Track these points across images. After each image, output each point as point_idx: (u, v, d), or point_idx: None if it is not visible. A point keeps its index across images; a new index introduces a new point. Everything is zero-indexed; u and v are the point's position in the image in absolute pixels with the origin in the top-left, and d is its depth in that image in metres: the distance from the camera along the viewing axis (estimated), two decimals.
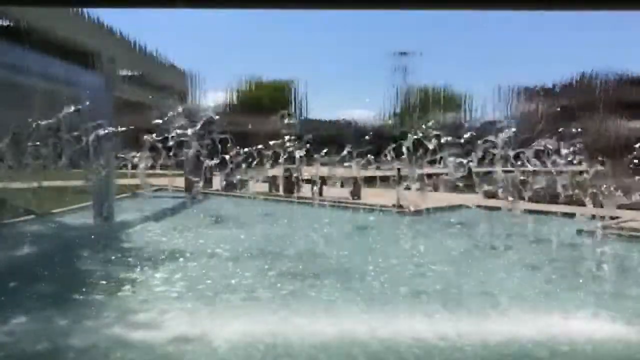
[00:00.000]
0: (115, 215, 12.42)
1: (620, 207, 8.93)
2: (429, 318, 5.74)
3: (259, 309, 6.03)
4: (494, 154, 7.98)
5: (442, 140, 8.43)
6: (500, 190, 8.29)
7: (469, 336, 5.17)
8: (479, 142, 8.14)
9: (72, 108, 8.75)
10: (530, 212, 9.70)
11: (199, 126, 8.42)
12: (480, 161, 8.25)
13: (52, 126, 8.64)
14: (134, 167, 8.49)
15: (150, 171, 9.02)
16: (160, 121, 8.31)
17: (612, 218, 9.39)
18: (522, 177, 8.15)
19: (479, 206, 10.29)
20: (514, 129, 8.34)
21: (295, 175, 14.72)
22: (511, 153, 7.97)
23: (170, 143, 8.16)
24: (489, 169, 8.46)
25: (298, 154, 9.45)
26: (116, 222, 12.18)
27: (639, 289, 6.84)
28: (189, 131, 8.29)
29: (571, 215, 9.52)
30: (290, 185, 15.72)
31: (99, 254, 8.71)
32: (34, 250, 9.21)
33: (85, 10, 10.82)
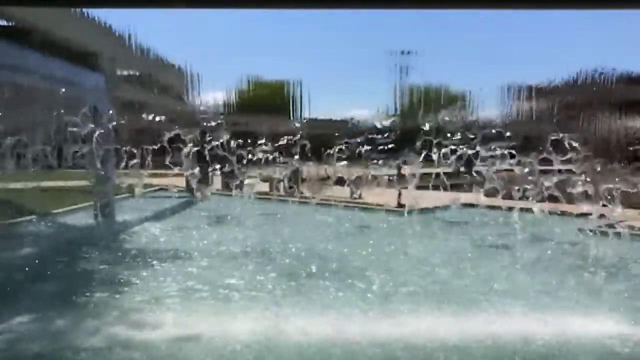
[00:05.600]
0: (116, 215, 12.46)
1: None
2: (429, 318, 5.76)
3: (258, 309, 6.05)
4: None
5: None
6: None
7: (469, 336, 5.18)
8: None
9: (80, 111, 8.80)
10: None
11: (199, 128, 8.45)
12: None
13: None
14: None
15: (150, 171, 9.05)
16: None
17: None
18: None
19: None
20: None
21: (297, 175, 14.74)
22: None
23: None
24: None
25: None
26: (116, 222, 12.20)
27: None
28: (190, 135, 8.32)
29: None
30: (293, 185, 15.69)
31: (99, 253, 8.73)
32: (35, 250, 9.23)
33: (85, 10, 10.81)
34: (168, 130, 8.38)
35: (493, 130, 8.68)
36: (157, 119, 8.38)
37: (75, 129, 8.85)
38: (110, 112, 8.91)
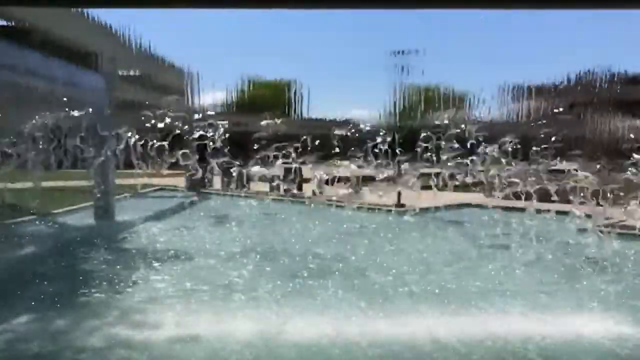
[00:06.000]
0: (116, 215, 12.48)
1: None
2: (428, 318, 5.76)
3: (257, 309, 6.04)
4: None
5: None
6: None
7: (469, 336, 5.18)
8: None
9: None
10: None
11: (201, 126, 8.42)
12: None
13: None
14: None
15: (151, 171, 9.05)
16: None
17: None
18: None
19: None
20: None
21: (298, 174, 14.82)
22: None
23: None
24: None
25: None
26: (117, 222, 12.20)
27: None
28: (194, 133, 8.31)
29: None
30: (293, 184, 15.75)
31: (99, 253, 8.73)
32: (35, 250, 9.23)
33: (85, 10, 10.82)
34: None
35: (491, 153, 8.72)
36: (159, 144, 8.38)
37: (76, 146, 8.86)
38: (111, 132, 8.84)
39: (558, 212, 9.88)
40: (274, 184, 15.69)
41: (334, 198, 11.33)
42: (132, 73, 15.23)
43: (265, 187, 16.47)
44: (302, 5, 2.24)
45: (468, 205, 13.17)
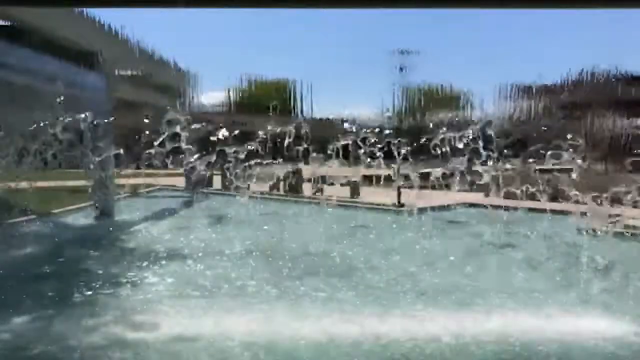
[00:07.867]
0: (115, 215, 12.47)
1: None
2: (428, 317, 5.76)
3: (256, 308, 6.04)
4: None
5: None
6: None
7: (468, 336, 5.18)
8: None
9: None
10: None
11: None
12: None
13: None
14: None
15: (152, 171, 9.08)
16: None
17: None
18: None
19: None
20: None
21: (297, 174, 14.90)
22: None
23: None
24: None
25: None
26: (116, 222, 12.19)
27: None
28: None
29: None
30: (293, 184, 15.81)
31: (98, 253, 8.73)
32: (35, 250, 9.22)
33: (85, 10, 10.82)
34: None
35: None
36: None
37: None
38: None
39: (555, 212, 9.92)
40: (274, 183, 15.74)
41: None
42: (134, 73, 15.23)
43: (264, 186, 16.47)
44: (302, 5, 2.24)
45: (467, 205, 13.18)
